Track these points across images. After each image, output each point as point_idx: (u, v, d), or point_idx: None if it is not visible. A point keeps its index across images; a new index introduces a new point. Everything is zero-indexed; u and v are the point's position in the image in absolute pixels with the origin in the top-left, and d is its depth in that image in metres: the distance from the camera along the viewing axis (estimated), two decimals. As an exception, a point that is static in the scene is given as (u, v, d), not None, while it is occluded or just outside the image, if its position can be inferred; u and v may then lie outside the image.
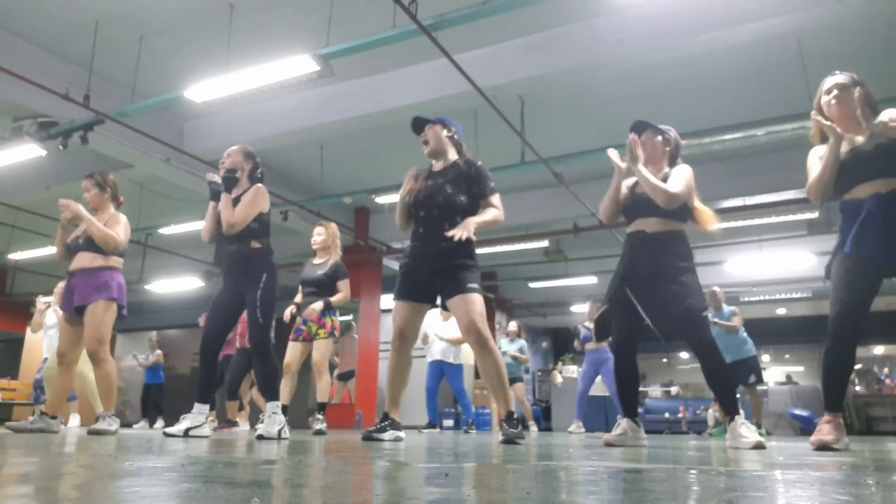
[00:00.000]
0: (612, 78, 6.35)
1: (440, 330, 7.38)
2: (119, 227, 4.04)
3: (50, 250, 10.35)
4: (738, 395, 3.31)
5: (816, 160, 2.96)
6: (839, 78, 2.96)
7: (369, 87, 6.53)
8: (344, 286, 5.17)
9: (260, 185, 3.76)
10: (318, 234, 5.29)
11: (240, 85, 5.29)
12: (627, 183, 3.32)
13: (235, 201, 3.71)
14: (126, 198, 8.82)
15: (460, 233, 3.11)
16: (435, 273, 3.26)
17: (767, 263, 10.50)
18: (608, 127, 7.27)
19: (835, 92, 2.93)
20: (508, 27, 5.62)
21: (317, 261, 5.26)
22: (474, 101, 5.66)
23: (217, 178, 3.77)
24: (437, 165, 3.46)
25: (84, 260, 4.01)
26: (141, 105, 6.14)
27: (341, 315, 10.75)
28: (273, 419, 3.63)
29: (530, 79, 5.87)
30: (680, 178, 3.13)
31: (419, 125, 3.49)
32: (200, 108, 6.43)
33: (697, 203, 3.19)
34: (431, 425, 7.44)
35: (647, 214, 3.16)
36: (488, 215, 3.29)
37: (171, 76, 6.34)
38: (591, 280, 11.90)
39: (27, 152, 6.45)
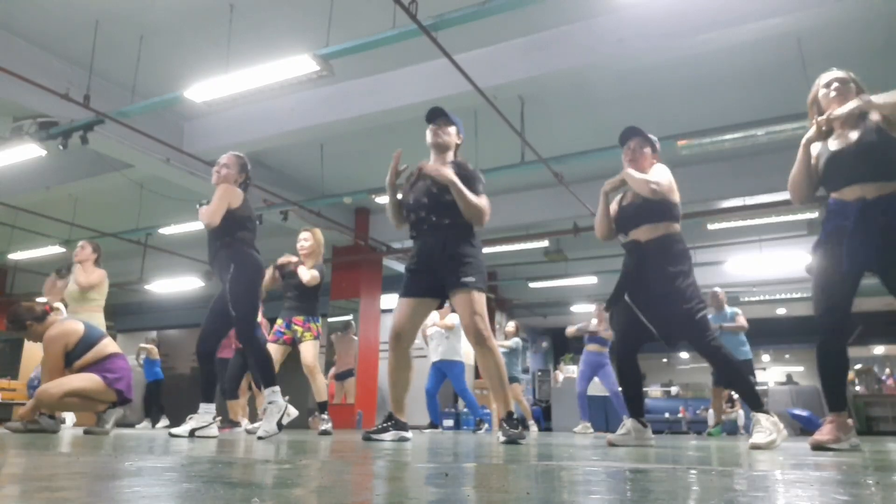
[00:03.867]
0: (612, 78, 6.34)
1: (437, 322, 7.34)
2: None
3: (49, 250, 10.36)
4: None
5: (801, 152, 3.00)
6: (838, 73, 2.99)
7: (369, 87, 6.53)
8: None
9: (228, 184, 3.80)
10: (305, 240, 5.25)
11: (240, 85, 5.28)
12: (616, 199, 3.41)
13: None
14: (126, 198, 8.95)
15: (437, 172, 3.22)
16: (438, 267, 3.26)
17: (767, 263, 10.50)
18: (608, 127, 7.24)
19: (835, 85, 2.95)
20: (508, 27, 5.62)
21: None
22: (474, 101, 5.65)
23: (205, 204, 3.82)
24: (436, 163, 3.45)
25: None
26: (141, 105, 6.13)
27: (341, 315, 10.81)
28: (271, 410, 3.62)
29: (530, 79, 5.87)
30: (660, 172, 3.22)
31: (438, 115, 3.46)
32: (200, 108, 6.43)
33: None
34: (433, 426, 7.44)
35: (638, 224, 3.20)
36: (472, 194, 3.25)
37: (171, 76, 6.34)
38: (591, 280, 11.90)
39: (27, 152, 6.45)
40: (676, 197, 3.21)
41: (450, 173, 3.24)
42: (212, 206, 3.68)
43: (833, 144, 2.89)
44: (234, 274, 3.62)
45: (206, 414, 3.62)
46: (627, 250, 3.28)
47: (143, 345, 10.06)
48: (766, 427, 2.92)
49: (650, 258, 3.13)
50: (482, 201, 3.28)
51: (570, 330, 8.13)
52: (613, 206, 3.39)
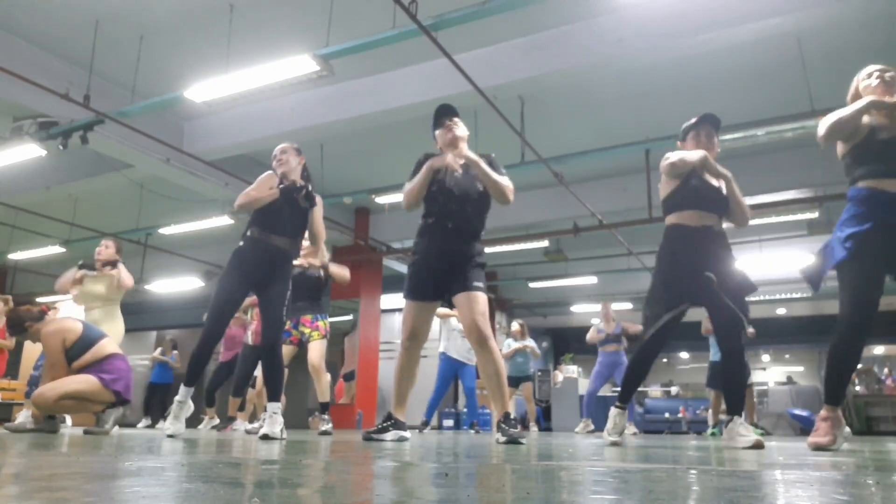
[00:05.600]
0: (612, 78, 6.34)
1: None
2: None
3: (49, 250, 10.35)
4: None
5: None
6: (883, 66, 2.96)
7: (369, 87, 6.53)
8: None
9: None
10: (305, 239, 5.23)
11: (240, 85, 5.28)
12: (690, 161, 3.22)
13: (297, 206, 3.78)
14: (126, 198, 8.96)
15: (465, 155, 3.27)
16: (448, 269, 3.25)
17: (767, 263, 10.49)
18: (608, 127, 7.29)
19: (883, 75, 2.90)
20: (508, 27, 5.62)
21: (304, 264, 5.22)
22: (474, 101, 5.65)
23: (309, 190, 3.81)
24: (457, 160, 3.38)
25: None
26: (141, 105, 6.14)
27: (343, 316, 10.82)
28: (274, 419, 3.62)
29: (530, 79, 5.87)
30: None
31: (449, 112, 3.46)
32: (200, 108, 6.43)
33: None
34: (425, 423, 7.39)
35: (711, 210, 3.20)
36: (496, 174, 3.30)
37: (171, 76, 6.34)
38: (591, 280, 11.90)
39: (27, 152, 6.45)
40: None
41: (473, 155, 3.30)
42: (320, 225, 3.80)
43: (884, 132, 2.80)
44: (291, 287, 3.77)
45: (186, 396, 3.59)
46: (695, 232, 3.16)
47: (157, 353, 10.11)
48: (749, 427, 3.02)
49: (722, 243, 3.17)
50: (507, 181, 3.34)
51: (592, 336, 7.98)
52: (671, 185, 3.29)
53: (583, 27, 5.63)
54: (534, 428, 8.37)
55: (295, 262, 5.06)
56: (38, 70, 5.84)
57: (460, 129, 3.44)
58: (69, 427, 5.94)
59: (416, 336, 3.30)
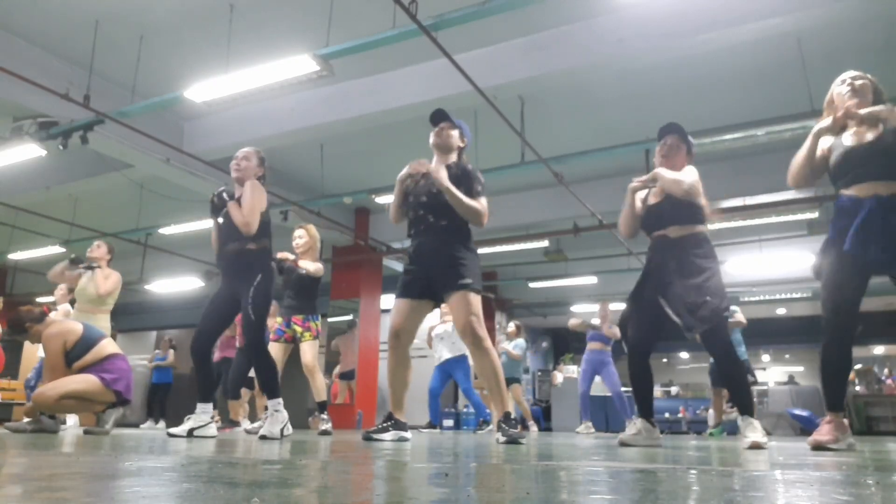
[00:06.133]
0: (612, 78, 6.34)
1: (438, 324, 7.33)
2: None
3: (49, 250, 10.35)
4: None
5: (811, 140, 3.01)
6: (855, 73, 3.01)
7: (369, 87, 6.53)
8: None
9: (256, 181, 3.76)
10: (300, 237, 5.20)
11: (240, 85, 5.28)
12: (640, 196, 3.41)
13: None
14: (126, 198, 8.96)
15: (436, 176, 3.22)
16: (434, 269, 3.25)
17: (767, 263, 10.50)
18: (608, 127, 7.29)
19: (850, 82, 2.97)
20: (508, 27, 5.62)
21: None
22: (474, 101, 5.65)
23: (224, 195, 3.78)
24: (421, 168, 3.46)
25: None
26: (141, 105, 6.13)
27: (341, 315, 10.81)
28: (275, 417, 3.63)
29: (530, 79, 5.87)
30: (689, 175, 3.24)
31: (440, 117, 3.48)
32: (200, 108, 6.42)
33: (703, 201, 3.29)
34: (431, 426, 7.43)
35: (667, 224, 3.22)
36: (468, 198, 3.24)
37: (171, 76, 6.34)
38: (591, 280, 11.90)
39: (27, 152, 6.45)
40: (703, 200, 3.24)
41: (444, 179, 3.23)
42: (247, 204, 3.61)
43: (849, 140, 2.89)
44: (261, 282, 3.62)
45: (203, 414, 3.62)
46: (655, 244, 3.27)
47: (152, 357, 10.16)
48: (759, 428, 2.99)
49: (681, 250, 3.14)
50: (478, 203, 3.26)
51: (574, 322, 8.10)
52: (639, 205, 3.39)
53: (583, 27, 5.62)
54: (533, 428, 8.37)
55: (279, 254, 5.06)
56: (38, 70, 5.84)
57: (445, 139, 3.43)
58: (72, 427, 5.93)
59: (398, 335, 3.30)
